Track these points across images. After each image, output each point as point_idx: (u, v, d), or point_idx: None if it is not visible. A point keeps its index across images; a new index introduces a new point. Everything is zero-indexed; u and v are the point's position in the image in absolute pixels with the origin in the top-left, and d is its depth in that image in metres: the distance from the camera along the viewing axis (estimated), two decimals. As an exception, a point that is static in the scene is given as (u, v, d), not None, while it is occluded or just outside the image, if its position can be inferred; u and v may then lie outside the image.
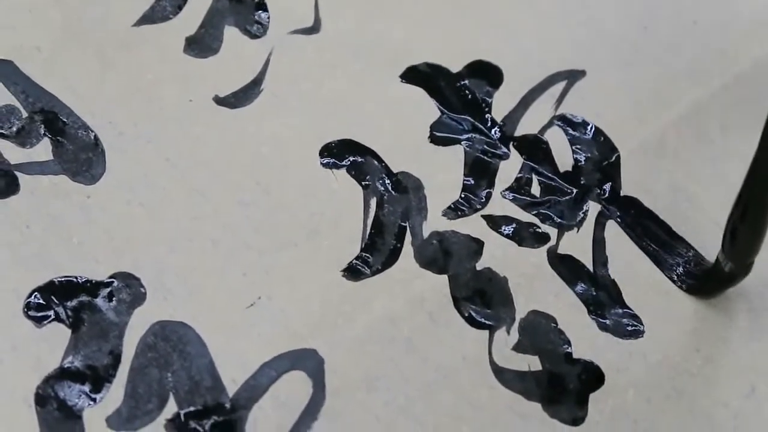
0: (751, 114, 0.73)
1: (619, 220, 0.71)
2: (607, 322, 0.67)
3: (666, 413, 0.65)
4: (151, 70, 0.73)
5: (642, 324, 0.68)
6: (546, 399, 0.64)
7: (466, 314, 0.66)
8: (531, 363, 0.65)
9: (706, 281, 0.69)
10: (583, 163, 0.73)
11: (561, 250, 0.70)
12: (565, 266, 0.69)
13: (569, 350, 0.66)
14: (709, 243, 0.70)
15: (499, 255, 0.69)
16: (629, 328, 0.67)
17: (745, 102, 0.76)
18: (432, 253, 0.68)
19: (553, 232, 0.71)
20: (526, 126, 0.75)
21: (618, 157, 0.74)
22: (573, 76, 0.77)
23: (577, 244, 0.70)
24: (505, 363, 0.65)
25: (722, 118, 0.76)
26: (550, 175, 0.73)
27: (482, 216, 0.70)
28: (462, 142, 0.73)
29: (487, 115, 0.74)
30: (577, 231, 0.71)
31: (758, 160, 0.59)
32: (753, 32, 0.80)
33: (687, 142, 0.75)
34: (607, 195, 0.72)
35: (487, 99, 0.75)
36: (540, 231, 0.70)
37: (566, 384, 0.65)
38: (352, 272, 0.67)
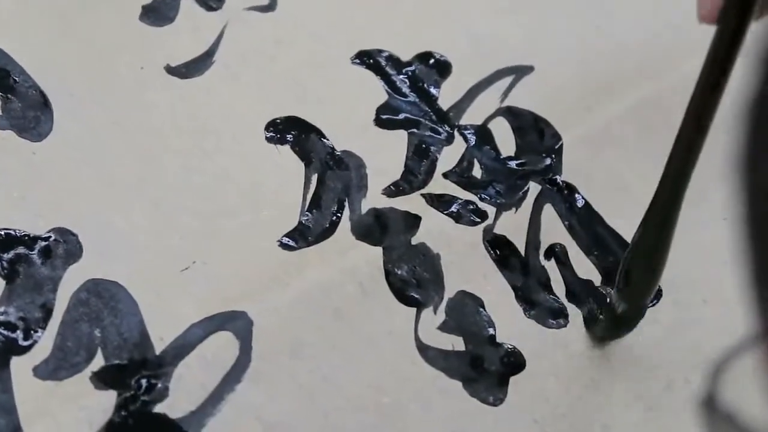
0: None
1: (556, 205, 0.73)
2: (533, 309, 0.69)
3: (584, 401, 0.66)
4: (106, 35, 0.74)
5: (567, 314, 0.69)
6: (467, 378, 0.66)
7: (397, 288, 0.67)
8: (455, 343, 0.67)
9: (601, 323, 0.68)
10: (525, 148, 0.75)
11: (497, 230, 0.71)
12: (499, 247, 0.71)
13: (493, 334, 0.67)
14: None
15: (436, 231, 0.70)
16: (554, 318, 0.69)
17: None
18: (368, 226, 0.70)
19: (491, 211, 0.72)
20: (472, 116, 0.76)
21: (561, 144, 0.75)
22: (521, 71, 0.78)
23: (514, 225, 0.72)
24: (430, 341, 0.67)
25: (668, 114, 0.77)
26: (492, 158, 0.74)
27: (422, 194, 0.72)
28: (407, 126, 0.74)
29: (433, 103, 0.76)
30: (515, 211, 0.72)
31: (655, 202, 0.58)
32: (706, 32, 0.81)
33: (631, 134, 0.76)
34: (547, 179, 0.74)
35: (435, 88, 0.77)
36: (478, 208, 0.72)
37: (488, 366, 0.66)
38: (287, 244, 0.68)
